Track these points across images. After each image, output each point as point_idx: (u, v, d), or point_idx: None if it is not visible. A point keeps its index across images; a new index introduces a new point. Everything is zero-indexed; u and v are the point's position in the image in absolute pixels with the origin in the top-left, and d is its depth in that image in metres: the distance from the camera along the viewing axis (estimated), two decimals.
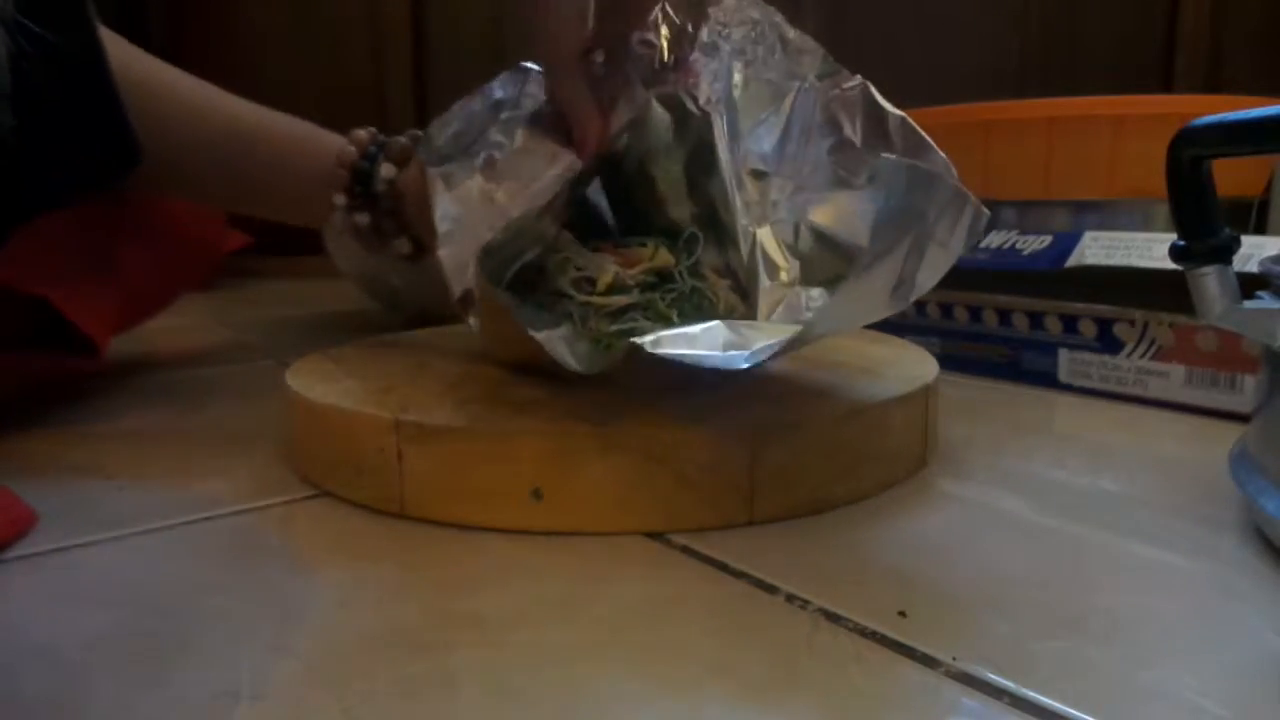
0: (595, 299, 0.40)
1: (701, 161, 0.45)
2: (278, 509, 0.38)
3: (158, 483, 0.42)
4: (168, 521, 0.37)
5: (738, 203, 0.44)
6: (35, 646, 0.27)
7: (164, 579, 0.32)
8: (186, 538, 0.36)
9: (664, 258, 0.42)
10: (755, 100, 0.44)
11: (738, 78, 0.44)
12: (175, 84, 0.57)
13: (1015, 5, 1.27)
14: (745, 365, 0.32)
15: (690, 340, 0.34)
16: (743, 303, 0.43)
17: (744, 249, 0.44)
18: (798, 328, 0.34)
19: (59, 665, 0.26)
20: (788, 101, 0.43)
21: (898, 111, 0.39)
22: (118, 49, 0.52)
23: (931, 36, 1.29)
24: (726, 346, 0.34)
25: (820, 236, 0.42)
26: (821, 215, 0.42)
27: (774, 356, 0.32)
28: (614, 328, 0.39)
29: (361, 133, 0.59)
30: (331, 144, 0.57)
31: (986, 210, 0.32)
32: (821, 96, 0.42)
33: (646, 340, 0.33)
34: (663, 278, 0.42)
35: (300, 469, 0.42)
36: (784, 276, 0.43)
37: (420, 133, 0.58)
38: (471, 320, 0.47)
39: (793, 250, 0.43)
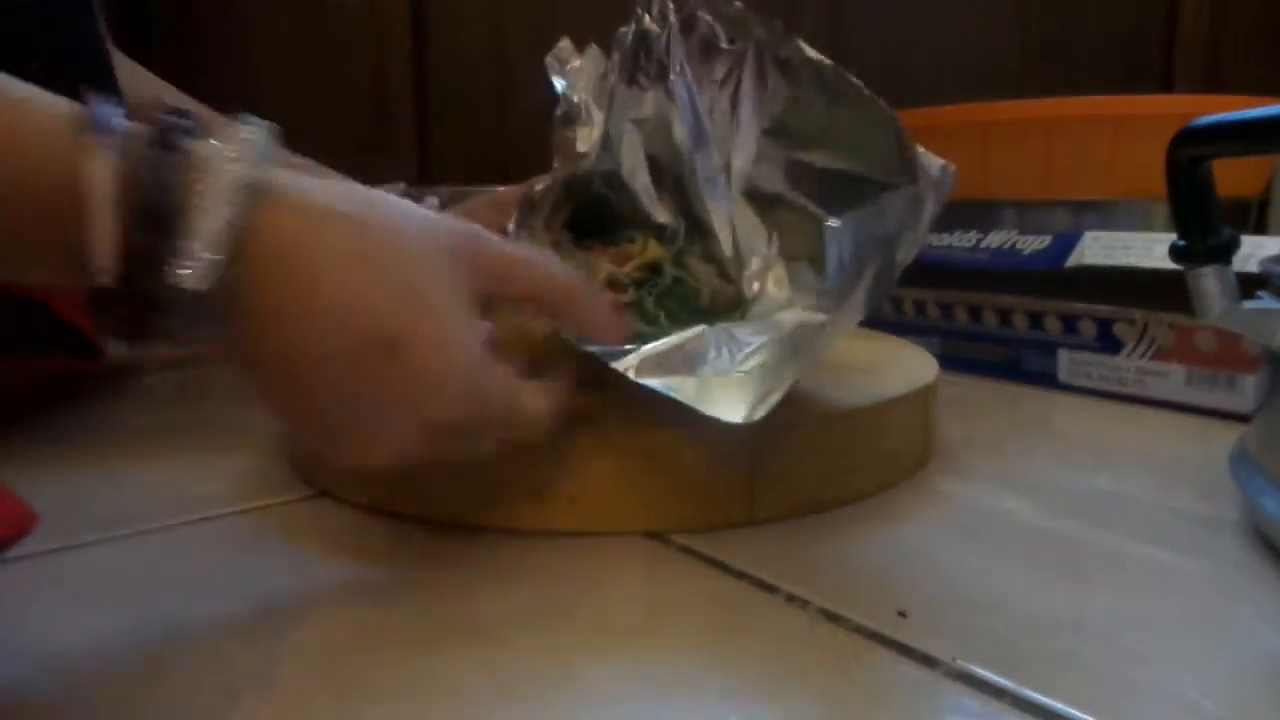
0: None
1: (668, 154, 0.45)
2: (278, 509, 0.38)
3: (157, 483, 0.42)
4: (168, 521, 0.37)
5: (702, 191, 0.44)
6: (35, 646, 0.27)
7: (164, 579, 0.32)
8: (186, 538, 0.36)
9: (654, 251, 0.43)
10: (706, 70, 0.44)
11: (683, 53, 0.44)
12: None
13: (1015, 5, 1.27)
14: (741, 421, 0.32)
15: (672, 360, 0.35)
16: (729, 284, 0.43)
17: (722, 235, 0.44)
18: (786, 319, 0.34)
19: (59, 665, 0.26)
20: (732, 68, 0.43)
21: (828, 61, 0.39)
22: None
23: (931, 36, 1.29)
24: (711, 356, 0.35)
25: (786, 203, 0.42)
26: (782, 181, 0.42)
27: (770, 408, 0.32)
28: None
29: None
30: None
31: (950, 166, 0.33)
32: (761, 59, 0.42)
33: (629, 365, 0.34)
34: (655, 271, 0.42)
35: (300, 469, 0.42)
36: (767, 248, 0.43)
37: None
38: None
39: (768, 219, 0.43)
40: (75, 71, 0.46)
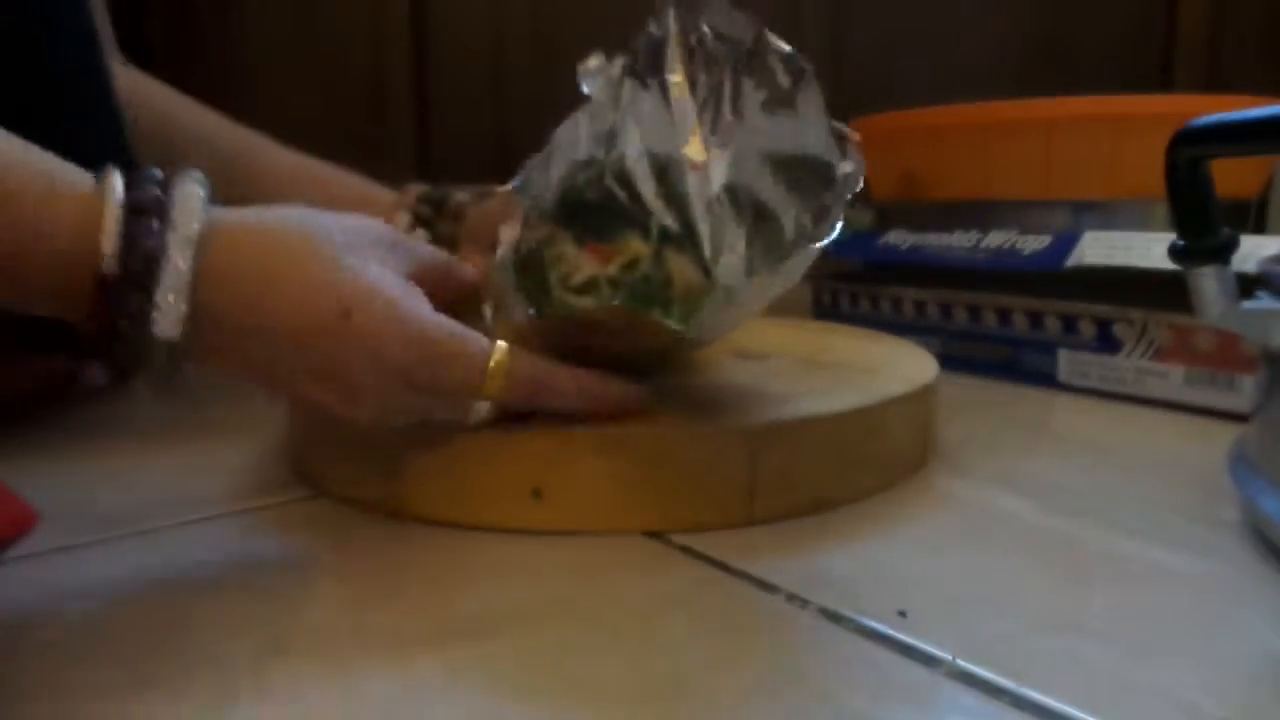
0: (569, 298, 0.41)
1: (664, 150, 0.46)
2: (278, 509, 0.38)
3: (157, 482, 0.42)
4: (168, 521, 0.37)
5: (688, 186, 0.45)
6: (35, 646, 0.27)
7: (164, 579, 0.32)
8: (186, 538, 0.36)
9: (635, 248, 0.43)
10: (704, 70, 0.45)
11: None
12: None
13: (1015, 4, 1.27)
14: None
15: None
16: (705, 277, 0.43)
17: (702, 229, 0.44)
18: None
19: (58, 665, 0.26)
20: (722, 70, 0.44)
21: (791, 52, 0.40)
22: None
23: (931, 36, 1.29)
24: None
25: (759, 198, 0.43)
26: (757, 179, 0.43)
27: None
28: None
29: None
30: None
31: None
32: (738, 62, 0.43)
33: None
34: (634, 268, 0.43)
35: (300, 469, 0.42)
36: (738, 242, 0.44)
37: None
38: (485, 309, 0.47)
39: (742, 215, 0.44)
40: (87, 128, 0.47)
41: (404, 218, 0.56)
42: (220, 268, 0.30)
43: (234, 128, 0.61)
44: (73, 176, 0.30)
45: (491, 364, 0.33)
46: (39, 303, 0.30)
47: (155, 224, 0.29)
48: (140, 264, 0.29)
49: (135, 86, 0.59)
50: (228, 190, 0.60)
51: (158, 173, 0.31)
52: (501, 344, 0.34)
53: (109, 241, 0.29)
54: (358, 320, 0.31)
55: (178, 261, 0.29)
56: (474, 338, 0.34)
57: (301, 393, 0.33)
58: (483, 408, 0.35)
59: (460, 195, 0.58)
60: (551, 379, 0.35)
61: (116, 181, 0.30)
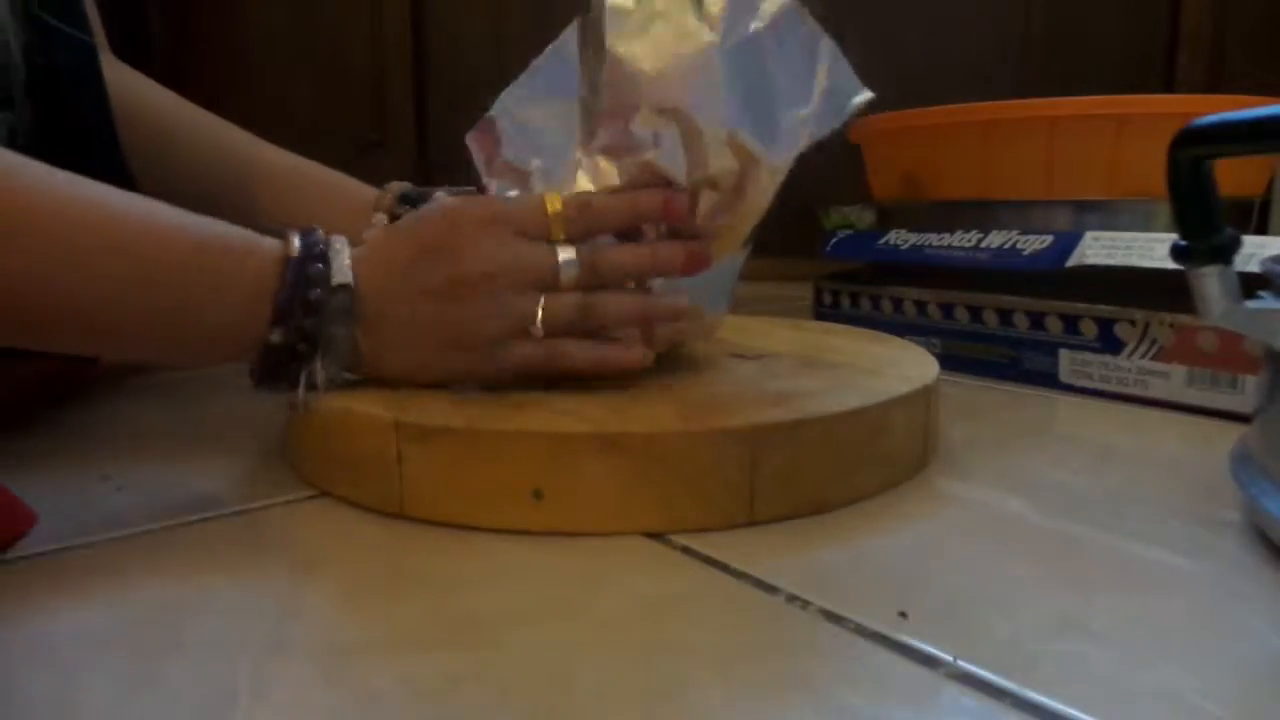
0: None
1: None
2: (278, 509, 0.38)
3: (158, 483, 0.42)
4: (168, 521, 0.37)
5: None
6: (35, 646, 0.27)
7: (164, 579, 0.32)
8: (186, 538, 0.35)
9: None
10: None
11: None
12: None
13: (1016, 4, 1.27)
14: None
15: None
16: None
17: None
18: None
19: (58, 665, 0.26)
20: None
21: None
22: None
23: (932, 35, 1.29)
24: None
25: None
26: None
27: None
28: None
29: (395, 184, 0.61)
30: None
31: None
32: None
33: None
34: None
35: (300, 469, 0.42)
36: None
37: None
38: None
39: None
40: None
41: (380, 218, 0.57)
42: (357, 256, 0.40)
43: (226, 126, 0.61)
44: (250, 232, 0.40)
45: (549, 210, 0.41)
46: (230, 310, 0.38)
47: (320, 232, 0.40)
48: (317, 245, 0.39)
49: (130, 84, 0.59)
50: (220, 185, 0.60)
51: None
52: (549, 192, 0.42)
53: (295, 239, 0.39)
54: (454, 212, 0.40)
55: (337, 243, 0.40)
56: (527, 196, 0.43)
57: (443, 353, 0.40)
58: (571, 264, 0.40)
59: (441, 194, 0.58)
60: (596, 199, 0.42)
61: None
